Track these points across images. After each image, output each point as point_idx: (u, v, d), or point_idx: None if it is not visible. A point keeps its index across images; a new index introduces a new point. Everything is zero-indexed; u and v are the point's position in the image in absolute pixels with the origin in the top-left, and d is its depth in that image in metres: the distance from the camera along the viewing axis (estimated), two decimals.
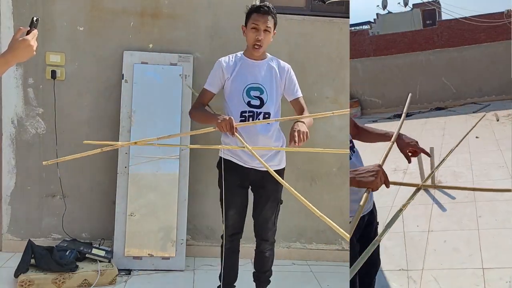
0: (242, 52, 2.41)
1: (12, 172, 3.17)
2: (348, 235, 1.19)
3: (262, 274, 2.59)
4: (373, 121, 9.47)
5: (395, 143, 1.76)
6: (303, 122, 2.19)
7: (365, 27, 13.87)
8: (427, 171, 4.51)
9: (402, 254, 3.09)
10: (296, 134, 2.08)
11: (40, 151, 3.17)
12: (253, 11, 2.31)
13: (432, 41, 11.12)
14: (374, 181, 1.40)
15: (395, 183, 1.53)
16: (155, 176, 3.08)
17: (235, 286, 2.58)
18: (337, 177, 3.39)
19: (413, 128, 7.66)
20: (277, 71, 2.38)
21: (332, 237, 3.46)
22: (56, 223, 3.21)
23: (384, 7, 13.79)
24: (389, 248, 3.18)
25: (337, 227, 1.19)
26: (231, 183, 2.34)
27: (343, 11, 3.34)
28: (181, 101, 3.11)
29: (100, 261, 2.88)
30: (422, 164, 4.50)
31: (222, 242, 2.42)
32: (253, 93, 2.33)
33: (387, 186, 1.45)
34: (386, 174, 1.42)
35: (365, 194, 1.41)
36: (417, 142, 1.84)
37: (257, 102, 2.32)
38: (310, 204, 1.38)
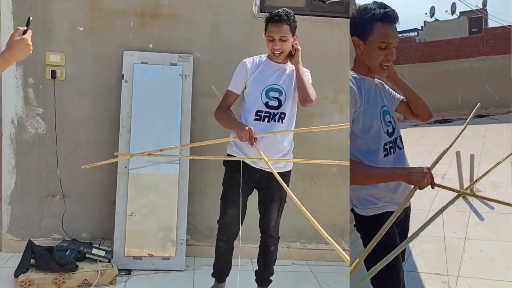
0: (266, 55, 2.46)
1: (12, 172, 3.17)
2: (348, 258, 1.22)
3: (266, 269, 2.65)
4: (415, 125, 9.41)
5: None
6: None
7: (412, 34, 14.15)
8: (465, 177, 4.50)
9: (438, 258, 3.08)
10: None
11: (40, 151, 3.17)
12: (268, 21, 2.35)
13: (477, 49, 11.21)
14: (423, 180, 1.55)
15: (439, 186, 1.66)
16: (155, 176, 3.08)
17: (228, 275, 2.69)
18: (337, 176, 3.39)
19: (453, 135, 7.53)
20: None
21: (332, 237, 3.43)
22: (56, 223, 3.22)
23: (432, 14, 14.18)
24: (426, 251, 3.17)
25: (337, 247, 1.19)
26: (237, 182, 2.35)
27: (343, 11, 3.34)
28: (181, 101, 3.11)
29: (100, 261, 2.88)
30: (462, 170, 4.48)
31: (218, 242, 2.57)
32: (272, 94, 2.40)
33: (432, 187, 1.60)
34: (433, 177, 1.58)
35: (412, 191, 1.57)
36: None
37: (275, 103, 2.39)
38: (308, 213, 1.38)
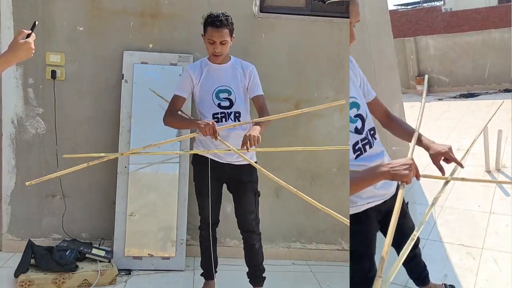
0: (207, 57, 2.52)
1: (12, 172, 3.17)
2: (347, 220, 1.27)
3: (256, 268, 2.65)
4: (439, 99, 9.01)
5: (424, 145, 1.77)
6: (259, 125, 2.33)
7: (437, 3, 13.55)
8: (492, 153, 4.41)
9: (462, 230, 3.07)
10: (247, 139, 2.19)
11: (40, 151, 3.17)
12: (209, 24, 2.39)
13: (506, 19, 10.53)
14: (409, 174, 1.44)
15: (425, 176, 1.59)
16: (155, 176, 3.08)
17: (217, 271, 2.72)
18: (337, 176, 3.39)
19: (478, 109, 7.16)
20: (242, 70, 2.53)
21: (332, 237, 3.46)
22: (56, 223, 3.22)
23: None
24: (450, 222, 3.14)
25: (336, 214, 1.24)
26: (205, 176, 2.49)
27: (343, 11, 3.34)
28: None
29: (100, 261, 2.88)
30: (488, 146, 4.37)
31: (200, 233, 2.66)
32: (222, 95, 2.48)
33: (418, 179, 1.51)
34: (417, 167, 1.48)
35: (401, 190, 1.49)
36: (450, 148, 1.73)
37: (226, 103, 2.48)
38: (305, 196, 1.42)
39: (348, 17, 3.14)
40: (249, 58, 2.91)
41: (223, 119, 2.46)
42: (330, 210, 1.41)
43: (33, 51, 1.87)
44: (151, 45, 3.16)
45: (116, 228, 3.05)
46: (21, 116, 3.14)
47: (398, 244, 1.89)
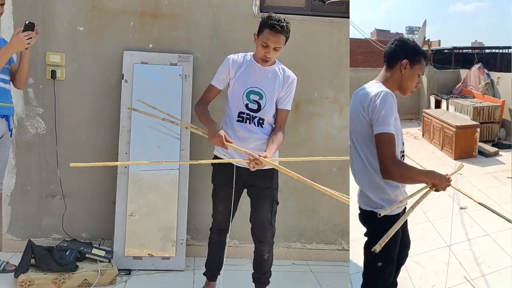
0: (253, 53, 2.43)
1: (12, 172, 3.18)
2: (348, 198, 1.43)
3: (261, 275, 2.61)
4: None
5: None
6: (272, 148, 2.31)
7: None
8: None
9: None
10: (256, 159, 2.18)
11: (40, 151, 3.17)
12: (267, 27, 2.27)
13: None
14: (446, 186, 1.91)
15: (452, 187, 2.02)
16: (155, 176, 3.08)
17: (220, 273, 2.71)
18: (337, 176, 3.39)
19: None
20: (282, 79, 2.41)
21: (332, 237, 3.46)
22: (56, 223, 3.22)
23: None
24: None
25: (338, 194, 1.28)
26: (222, 180, 2.46)
27: (343, 11, 3.34)
28: (181, 101, 3.12)
29: (100, 261, 2.88)
30: None
31: (210, 235, 2.66)
32: (252, 96, 2.38)
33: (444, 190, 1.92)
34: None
35: (429, 192, 1.89)
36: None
37: (254, 106, 2.38)
38: (310, 181, 1.48)
39: (348, 17, 3.15)
40: None
41: (247, 121, 2.37)
42: (333, 191, 1.89)
43: (26, 43, 2.47)
44: (151, 45, 3.16)
45: (116, 228, 3.05)
46: (21, 116, 3.14)
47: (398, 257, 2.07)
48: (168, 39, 3.17)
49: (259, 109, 2.38)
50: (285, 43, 2.34)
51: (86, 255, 2.89)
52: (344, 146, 3.32)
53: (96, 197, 3.25)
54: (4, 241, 3.21)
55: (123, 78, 3.10)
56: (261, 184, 2.44)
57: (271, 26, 2.24)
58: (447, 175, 1.93)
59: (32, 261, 2.75)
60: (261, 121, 2.39)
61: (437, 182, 1.87)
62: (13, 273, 2.73)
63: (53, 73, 3.09)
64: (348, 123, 3.29)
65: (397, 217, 1.93)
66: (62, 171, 3.17)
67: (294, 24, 3.25)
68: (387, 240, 1.51)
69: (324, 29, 3.31)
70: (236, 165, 2.40)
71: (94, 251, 2.92)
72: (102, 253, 2.92)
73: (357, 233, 3.08)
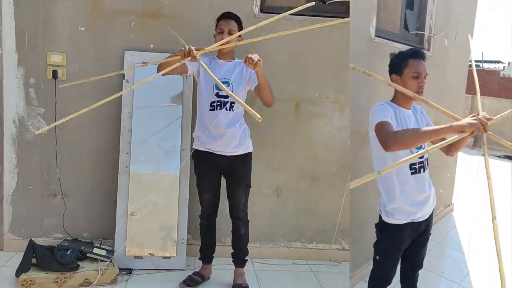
0: (216, 55, 2.76)
1: (14, 172, 3.19)
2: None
3: (239, 250, 2.88)
4: (482, 155, 9.38)
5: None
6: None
7: (498, 66, 14.33)
8: None
9: None
10: (249, 58, 2.41)
11: (42, 151, 3.18)
12: (411, 56, 2.30)
13: None
14: (475, 124, 1.60)
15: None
16: (156, 176, 3.09)
17: (213, 257, 3.01)
18: (338, 177, 3.40)
19: None
20: (244, 66, 2.65)
21: (332, 237, 3.47)
22: (57, 222, 3.23)
23: None
24: None
25: None
26: (204, 170, 2.81)
27: (344, 11, 3.35)
28: (182, 101, 3.13)
29: (101, 261, 2.89)
30: None
31: (200, 222, 2.94)
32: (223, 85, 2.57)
33: (486, 131, 1.65)
34: (485, 121, 1.62)
35: (466, 136, 1.67)
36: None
37: (224, 93, 2.63)
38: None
39: (348, 17, 3.15)
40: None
41: (218, 107, 2.65)
42: None
43: None
44: (152, 45, 3.16)
45: (117, 228, 3.06)
46: (23, 116, 3.15)
47: (411, 268, 2.23)
48: (169, 39, 3.16)
49: (227, 96, 2.63)
50: (238, 30, 2.69)
51: (87, 255, 2.90)
52: (344, 146, 3.32)
53: (97, 197, 3.26)
54: (5, 240, 3.22)
55: (124, 78, 3.11)
56: (237, 173, 2.75)
57: (222, 15, 2.76)
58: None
59: (33, 260, 2.76)
60: (232, 104, 2.65)
61: (464, 125, 1.64)
62: (15, 273, 2.74)
63: (55, 73, 3.10)
64: (348, 123, 3.30)
65: (398, 227, 2.08)
66: (62, 170, 3.18)
67: (294, 24, 3.28)
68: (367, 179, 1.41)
69: (324, 29, 3.29)
70: (213, 153, 2.70)
71: (95, 250, 2.93)
72: (103, 252, 2.93)
73: (356, 232, 3.11)
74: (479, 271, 3.46)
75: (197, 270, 2.98)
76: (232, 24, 2.71)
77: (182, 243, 3.11)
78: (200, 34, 3.20)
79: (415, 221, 2.10)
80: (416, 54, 2.12)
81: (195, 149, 2.77)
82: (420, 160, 2.08)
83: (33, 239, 2.89)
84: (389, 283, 2.17)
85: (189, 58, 2.37)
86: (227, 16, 2.72)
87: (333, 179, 3.40)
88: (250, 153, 2.78)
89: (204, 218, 2.92)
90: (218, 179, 2.84)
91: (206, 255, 2.99)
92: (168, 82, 3.11)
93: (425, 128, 1.78)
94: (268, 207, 3.40)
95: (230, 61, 2.74)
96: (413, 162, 2.04)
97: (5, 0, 3.02)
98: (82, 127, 3.19)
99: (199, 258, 3.01)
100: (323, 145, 3.38)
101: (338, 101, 3.35)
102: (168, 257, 3.09)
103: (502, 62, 15.43)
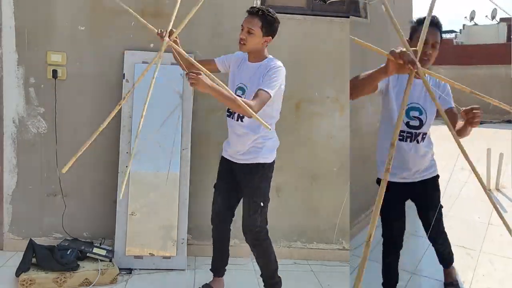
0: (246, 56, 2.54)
1: (14, 172, 3.18)
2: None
3: (261, 273, 2.67)
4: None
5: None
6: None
7: (450, 35, 14.37)
8: (493, 174, 4.99)
9: (464, 235, 3.54)
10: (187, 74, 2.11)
11: (42, 151, 3.18)
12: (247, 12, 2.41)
13: None
14: (404, 54, 1.30)
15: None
16: (156, 176, 3.08)
17: (226, 269, 2.81)
18: (338, 176, 3.39)
19: (483, 135, 7.89)
20: (264, 70, 2.38)
21: (333, 237, 3.46)
22: (57, 222, 3.22)
23: (472, 18, 14.51)
24: (453, 227, 3.38)
25: None
26: (220, 172, 2.69)
27: (344, 10, 3.34)
28: (182, 100, 3.12)
29: (101, 260, 2.88)
30: (490, 166, 4.97)
31: (212, 228, 2.75)
32: (238, 92, 2.48)
33: (414, 65, 1.29)
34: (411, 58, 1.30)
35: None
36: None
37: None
38: None
39: (348, 17, 3.14)
40: None
41: (235, 114, 2.48)
42: None
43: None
44: (152, 45, 3.16)
45: (117, 227, 3.06)
46: (23, 115, 3.14)
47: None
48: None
49: None
50: (264, 31, 2.38)
51: (87, 254, 2.90)
52: (344, 145, 3.31)
53: (97, 197, 3.25)
54: (5, 240, 3.22)
55: (124, 78, 3.10)
56: (243, 182, 2.56)
57: (248, 10, 2.43)
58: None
59: (33, 260, 2.75)
60: (242, 116, 2.44)
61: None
62: (15, 272, 2.73)
63: (55, 73, 3.09)
64: (348, 122, 3.29)
65: (392, 185, 2.06)
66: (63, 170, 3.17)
67: (294, 24, 3.28)
68: None
69: (324, 28, 3.30)
70: (229, 159, 2.58)
71: (95, 250, 2.93)
72: (103, 252, 2.93)
73: (356, 233, 3.12)
74: None
75: (207, 283, 2.80)
76: (253, 21, 2.36)
77: (182, 243, 3.11)
78: (200, 33, 3.20)
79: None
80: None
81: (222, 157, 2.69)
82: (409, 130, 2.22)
83: (33, 239, 2.89)
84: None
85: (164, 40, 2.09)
86: (250, 12, 2.40)
87: (334, 179, 3.39)
88: (261, 164, 2.49)
89: (213, 223, 2.73)
90: (232, 183, 2.61)
91: (217, 266, 2.79)
92: (168, 82, 3.11)
93: (362, 74, 1.83)
94: (268, 207, 3.38)
95: (257, 62, 2.45)
96: (402, 129, 2.20)
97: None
98: (82, 127, 3.19)
99: (210, 270, 2.82)
100: (324, 144, 3.37)
101: (339, 101, 3.35)
102: (168, 257, 3.09)
103: (454, 31, 15.31)
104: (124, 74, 3.10)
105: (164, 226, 3.08)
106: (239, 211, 2.64)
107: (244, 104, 1.96)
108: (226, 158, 2.61)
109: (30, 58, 3.10)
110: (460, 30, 14.94)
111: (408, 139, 2.24)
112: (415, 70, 1.30)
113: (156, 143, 3.08)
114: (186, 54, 2.02)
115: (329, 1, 3.34)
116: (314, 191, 3.39)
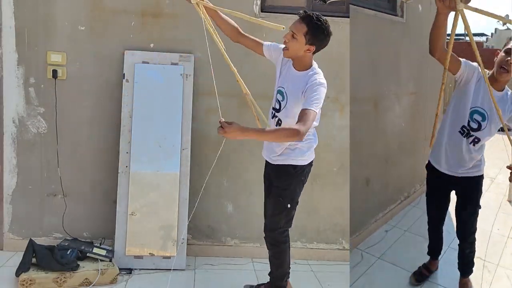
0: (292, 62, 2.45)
1: (14, 171, 3.18)
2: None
3: (271, 273, 2.67)
4: None
5: None
6: (259, 130, 2.33)
7: (480, 39, 14.43)
8: None
9: (481, 245, 3.36)
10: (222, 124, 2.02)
11: (42, 151, 3.18)
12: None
13: None
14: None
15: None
16: (156, 176, 3.08)
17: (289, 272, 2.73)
18: (338, 176, 3.39)
19: (507, 142, 7.94)
20: (306, 83, 2.29)
21: (333, 237, 3.46)
22: (57, 222, 3.22)
23: (504, 23, 14.65)
24: None
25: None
26: (264, 175, 2.66)
27: (344, 10, 3.34)
28: (182, 100, 3.12)
29: (101, 260, 2.88)
30: None
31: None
32: (278, 96, 2.44)
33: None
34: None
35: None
36: None
37: (277, 106, 2.45)
38: None
39: (348, 17, 3.15)
40: (250, 58, 2.92)
41: (275, 118, 2.45)
42: None
43: None
44: (152, 45, 3.16)
45: (117, 227, 3.06)
46: (23, 115, 3.14)
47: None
48: (169, 38, 3.17)
49: (279, 109, 2.42)
50: (308, 39, 2.24)
51: (87, 254, 2.90)
52: (345, 145, 3.31)
53: (97, 196, 3.25)
54: (5, 240, 3.22)
55: (124, 78, 3.10)
56: (273, 182, 2.53)
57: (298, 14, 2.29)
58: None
59: (33, 260, 2.75)
60: (279, 123, 2.41)
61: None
62: (15, 272, 2.73)
63: (55, 73, 3.09)
64: (348, 122, 3.29)
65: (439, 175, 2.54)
66: (63, 170, 3.18)
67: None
68: None
69: None
70: (266, 160, 2.57)
71: (95, 250, 2.93)
72: (103, 252, 2.93)
73: (357, 233, 3.11)
74: None
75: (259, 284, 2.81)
76: (299, 26, 2.23)
77: (182, 243, 3.10)
78: (200, 33, 3.19)
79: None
80: None
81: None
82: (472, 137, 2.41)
83: (33, 238, 2.89)
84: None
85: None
86: (299, 15, 2.28)
87: (334, 179, 3.39)
88: (291, 166, 2.43)
89: (264, 230, 2.62)
90: (270, 187, 2.61)
91: (282, 275, 2.69)
92: (169, 82, 3.11)
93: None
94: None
95: (300, 71, 2.35)
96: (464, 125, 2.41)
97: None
98: (83, 127, 3.19)
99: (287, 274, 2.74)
100: (324, 144, 3.36)
101: (339, 101, 3.35)
102: (168, 257, 3.08)
103: (485, 35, 15.38)
104: (124, 74, 3.10)
105: (164, 226, 3.08)
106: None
107: (287, 132, 2.09)
108: (265, 160, 2.59)
109: (30, 58, 3.10)
110: (492, 33, 14.97)
111: (465, 136, 2.43)
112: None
113: (156, 143, 3.08)
114: (216, 7, 2.08)
115: (329, 1, 3.34)
116: (314, 191, 3.39)
